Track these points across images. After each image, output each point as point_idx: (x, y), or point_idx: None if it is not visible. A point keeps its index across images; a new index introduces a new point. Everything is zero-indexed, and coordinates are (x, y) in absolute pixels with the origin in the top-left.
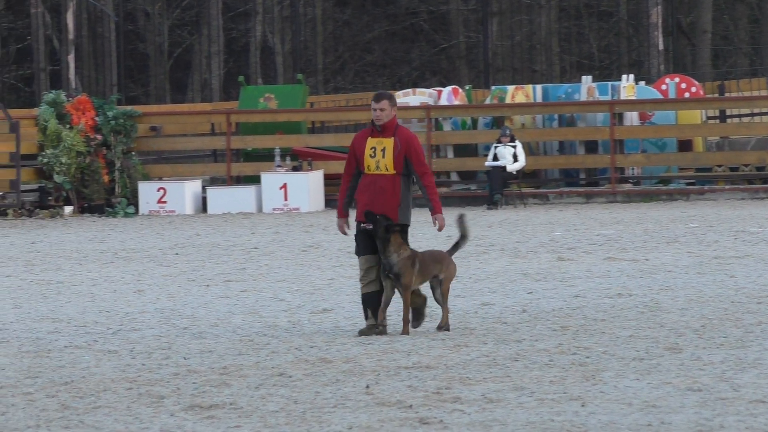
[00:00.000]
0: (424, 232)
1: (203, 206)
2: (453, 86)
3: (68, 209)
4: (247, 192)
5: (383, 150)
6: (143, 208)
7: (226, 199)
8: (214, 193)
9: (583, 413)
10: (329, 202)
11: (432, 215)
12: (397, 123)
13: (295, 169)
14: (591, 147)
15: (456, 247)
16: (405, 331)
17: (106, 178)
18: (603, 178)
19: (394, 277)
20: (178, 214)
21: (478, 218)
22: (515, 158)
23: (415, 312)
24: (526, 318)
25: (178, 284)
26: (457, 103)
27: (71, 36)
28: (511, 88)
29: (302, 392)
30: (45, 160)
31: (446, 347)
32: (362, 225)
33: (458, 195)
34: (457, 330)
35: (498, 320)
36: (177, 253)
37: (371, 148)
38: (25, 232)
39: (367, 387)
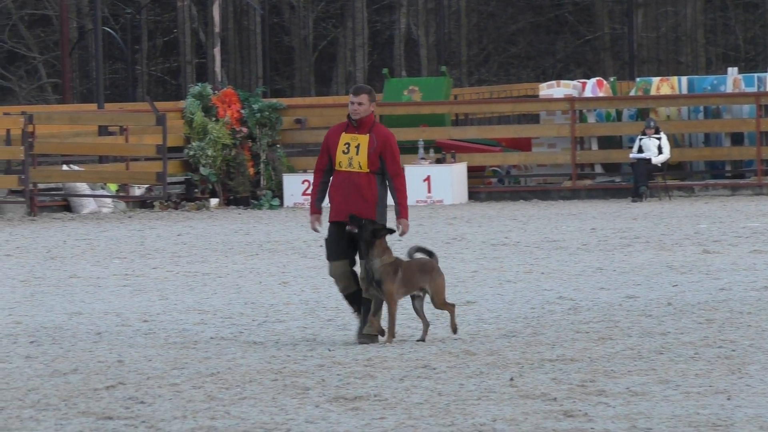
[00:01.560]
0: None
1: None
2: (597, 78)
3: (214, 201)
4: None
5: (357, 147)
6: (288, 200)
7: None
8: None
9: (729, 407)
10: (473, 195)
11: (397, 219)
12: (375, 119)
13: (439, 161)
14: (737, 139)
15: (431, 255)
16: (389, 340)
17: (251, 171)
18: (749, 171)
19: (375, 284)
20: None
21: (622, 210)
22: (660, 150)
23: (366, 337)
24: (671, 311)
25: (323, 276)
26: (601, 95)
27: (217, 29)
28: (656, 79)
29: (446, 384)
30: (191, 153)
31: (590, 340)
32: (348, 228)
33: (602, 187)
34: (602, 323)
35: (643, 313)
36: (321, 245)
37: (345, 144)
38: (172, 224)
39: (511, 379)
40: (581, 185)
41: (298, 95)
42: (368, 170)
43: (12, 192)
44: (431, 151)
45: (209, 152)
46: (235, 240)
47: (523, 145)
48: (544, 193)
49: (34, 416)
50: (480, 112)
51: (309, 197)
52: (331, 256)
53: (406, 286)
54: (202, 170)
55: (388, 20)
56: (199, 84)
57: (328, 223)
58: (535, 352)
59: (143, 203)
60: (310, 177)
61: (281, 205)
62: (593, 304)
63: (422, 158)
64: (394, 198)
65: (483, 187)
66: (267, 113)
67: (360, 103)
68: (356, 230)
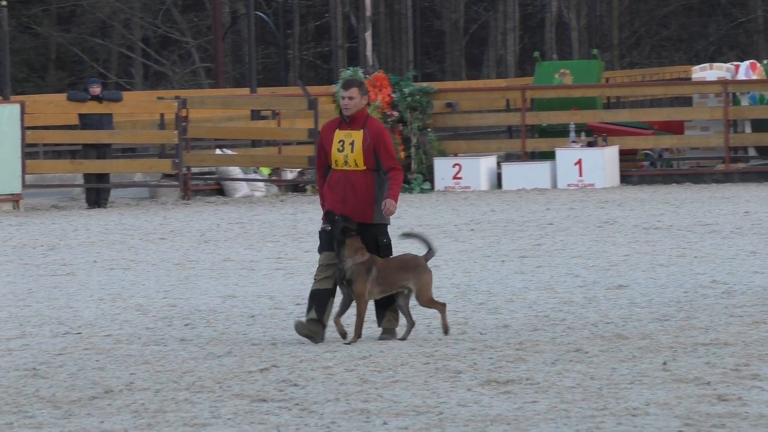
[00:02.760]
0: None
1: (498, 182)
2: (751, 60)
3: None
4: (542, 168)
5: (352, 143)
6: (439, 183)
7: (521, 175)
8: (509, 169)
9: None
10: (624, 178)
11: (384, 198)
12: (368, 114)
13: (590, 144)
14: None
15: (430, 251)
16: (354, 341)
17: (402, 154)
18: None
19: (347, 284)
20: (473, 190)
21: None
22: None
23: (388, 331)
24: None
25: (474, 260)
26: (755, 77)
27: (368, 13)
28: None
29: (598, 368)
30: None
31: (744, 324)
32: (322, 227)
33: (756, 170)
34: (756, 306)
35: None
36: (472, 229)
37: (339, 142)
38: None
39: (664, 363)
40: (734, 168)
41: (448, 79)
42: (365, 168)
43: (166, 176)
44: (582, 134)
45: None
46: None
47: (675, 128)
48: (697, 176)
49: (189, 398)
50: (632, 95)
51: (459, 181)
52: (321, 248)
53: (383, 285)
54: None
55: (540, 3)
56: (351, 68)
57: (322, 220)
58: (689, 336)
59: (295, 187)
60: (461, 161)
61: (432, 188)
62: (747, 288)
63: (573, 142)
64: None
65: (635, 170)
66: (418, 97)
67: (351, 98)
68: (329, 227)
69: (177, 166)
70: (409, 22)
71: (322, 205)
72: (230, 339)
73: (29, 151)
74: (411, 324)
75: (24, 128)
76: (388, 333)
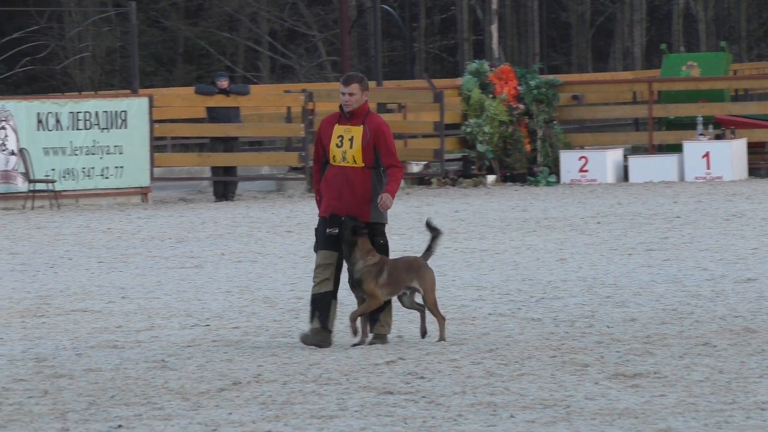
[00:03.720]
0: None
1: (625, 175)
2: None
3: (491, 178)
4: (669, 160)
5: (351, 139)
6: (564, 176)
7: (647, 167)
8: (636, 162)
9: None
10: (753, 171)
11: (381, 193)
12: (369, 109)
13: (718, 137)
14: None
15: (429, 251)
16: (353, 329)
17: (528, 147)
18: None
19: (356, 283)
20: (599, 182)
21: None
22: None
23: (379, 337)
24: None
25: (600, 253)
26: None
27: (494, 6)
28: None
29: (727, 362)
30: (468, 130)
31: None
32: (328, 231)
33: None
34: None
35: None
36: (599, 222)
37: (338, 137)
38: (449, 201)
39: None
40: None
41: (575, 71)
42: (363, 164)
43: (292, 169)
44: (710, 127)
45: (486, 129)
46: (512, 217)
47: None
48: None
49: (316, 390)
50: (760, 87)
51: (585, 173)
52: (317, 246)
53: (392, 285)
54: (479, 147)
55: None
56: (476, 61)
57: (318, 217)
58: None
59: (421, 180)
60: (587, 153)
61: (558, 181)
62: None
63: (701, 134)
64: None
65: (763, 162)
66: (544, 90)
67: (351, 94)
68: (336, 231)
69: (303, 159)
70: (535, 14)
71: (318, 201)
72: None
73: (157, 145)
74: (424, 316)
75: (152, 122)
76: (379, 338)
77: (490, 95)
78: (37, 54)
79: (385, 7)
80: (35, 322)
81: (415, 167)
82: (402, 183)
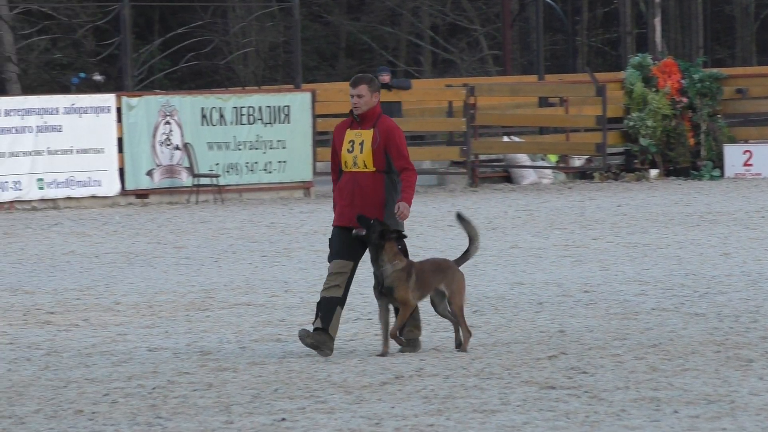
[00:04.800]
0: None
1: None
2: None
3: (654, 172)
4: None
5: (361, 144)
6: (729, 170)
7: None
8: None
9: None
10: None
11: (397, 201)
12: (380, 112)
13: None
14: None
15: (465, 255)
16: (384, 352)
17: (691, 141)
18: None
19: (387, 292)
20: (764, 176)
21: None
22: None
23: (410, 342)
24: None
25: (765, 247)
26: None
27: None
28: None
29: None
30: (631, 124)
31: None
32: (354, 231)
33: None
34: None
35: None
36: (763, 217)
37: (349, 142)
38: (611, 195)
39: None
40: None
41: (738, 65)
42: (374, 169)
43: (454, 163)
44: None
45: (649, 123)
46: (675, 211)
47: None
48: None
49: (477, 384)
50: None
51: (750, 168)
52: (331, 256)
53: (421, 289)
54: (642, 141)
55: None
56: (639, 54)
57: (332, 226)
58: None
59: (583, 174)
60: (752, 147)
61: (722, 175)
62: None
63: None
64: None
65: None
66: (708, 83)
67: (360, 96)
68: (364, 232)
69: (465, 154)
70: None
71: (334, 209)
72: (518, 326)
73: (320, 139)
74: (465, 330)
75: (315, 116)
76: (411, 344)
77: (653, 89)
78: (202, 49)
79: (548, 0)
80: (200, 315)
81: (577, 161)
82: (563, 177)
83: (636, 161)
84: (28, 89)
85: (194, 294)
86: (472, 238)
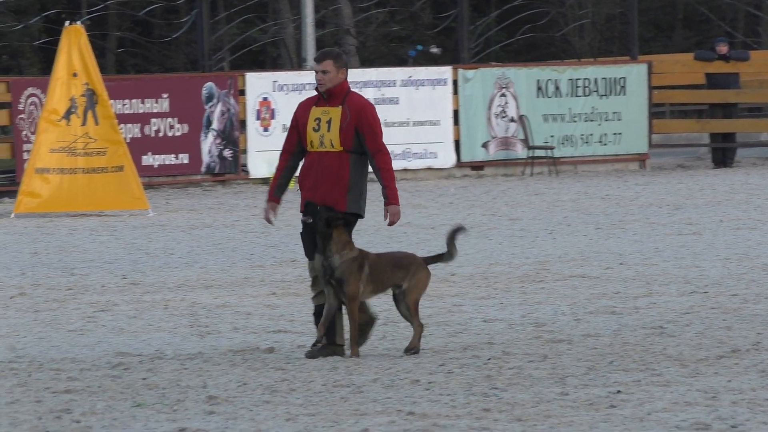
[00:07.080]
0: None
1: None
2: None
3: None
4: None
5: (329, 122)
6: None
7: None
8: None
9: None
10: None
11: (384, 206)
12: (348, 88)
13: None
14: None
15: (437, 258)
16: (354, 353)
17: None
18: None
19: (336, 284)
20: None
21: None
22: None
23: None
24: None
25: None
26: None
27: None
28: None
29: None
30: None
31: None
32: (302, 219)
33: None
34: None
35: None
36: None
37: (315, 120)
38: None
39: None
40: None
41: None
42: (341, 149)
43: None
44: None
45: None
46: None
47: None
48: None
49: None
50: None
51: None
52: (308, 254)
53: (375, 283)
54: None
55: None
56: None
57: (300, 213)
58: None
59: None
60: None
61: None
62: None
63: None
64: (379, 180)
65: None
66: None
67: (324, 71)
68: (310, 220)
69: None
70: None
71: (269, 192)
72: None
73: (656, 111)
74: (416, 330)
75: (651, 88)
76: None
77: None
78: (537, 21)
79: None
80: (534, 287)
81: None
82: None
83: None
84: (367, 62)
85: (528, 266)
86: (450, 253)
